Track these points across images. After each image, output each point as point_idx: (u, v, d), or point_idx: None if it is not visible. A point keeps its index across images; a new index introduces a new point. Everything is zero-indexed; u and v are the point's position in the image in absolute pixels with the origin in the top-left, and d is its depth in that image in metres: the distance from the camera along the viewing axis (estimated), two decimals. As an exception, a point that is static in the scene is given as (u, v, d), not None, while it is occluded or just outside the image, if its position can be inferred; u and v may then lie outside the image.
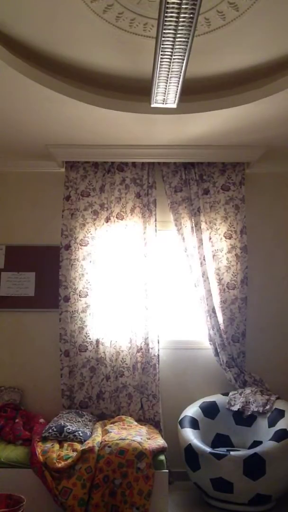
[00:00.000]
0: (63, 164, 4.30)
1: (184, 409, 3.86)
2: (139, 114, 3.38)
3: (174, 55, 2.54)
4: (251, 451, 3.23)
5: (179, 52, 2.51)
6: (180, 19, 2.21)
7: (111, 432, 3.39)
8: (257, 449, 3.24)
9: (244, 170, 4.31)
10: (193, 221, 4.19)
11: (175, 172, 4.28)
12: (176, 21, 2.23)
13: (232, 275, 4.14)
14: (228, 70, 3.08)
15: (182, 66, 2.65)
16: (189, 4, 2.09)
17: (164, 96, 2.98)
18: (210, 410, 3.82)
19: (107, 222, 4.20)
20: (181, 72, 2.71)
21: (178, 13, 2.16)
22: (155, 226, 4.20)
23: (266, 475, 3.18)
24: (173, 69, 2.68)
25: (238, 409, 3.76)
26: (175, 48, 2.47)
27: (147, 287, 4.12)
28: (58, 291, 4.12)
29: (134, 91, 3.29)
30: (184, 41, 2.40)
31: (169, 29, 2.30)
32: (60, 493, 2.99)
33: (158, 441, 3.33)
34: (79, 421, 3.58)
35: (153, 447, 3.19)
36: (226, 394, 3.96)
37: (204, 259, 4.13)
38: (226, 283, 4.13)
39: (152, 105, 3.09)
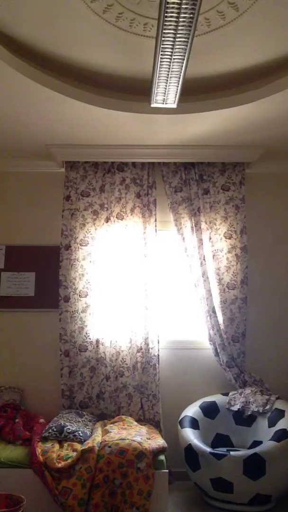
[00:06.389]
0: (63, 164, 4.29)
1: (184, 409, 3.86)
2: (139, 114, 3.38)
3: (174, 55, 2.54)
4: (251, 451, 3.23)
5: (179, 52, 2.51)
6: (180, 19, 2.21)
7: (111, 432, 3.39)
8: (257, 449, 3.24)
9: (244, 170, 4.30)
10: (193, 221, 4.19)
11: (175, 172, 4.28)
12: (176, 21, 2.23)
13: (232, 275, 4.14)
14: (228, 70, 3.08)
15: (182, 66, 2.65)
16: (189, 4, 2.09)
17: (164, 96, 2.98)
18: (210, 410, 3.82)
19: (107, 222, 4.20)
20: (181, 72, 2.71)
21: (178, 13, 2.16)
22: (155, 226, 4.20)
23: (266, 475, 3.18)
24: (173, 69, 2.68)
25: (238, 409, 3.76)
26: (175, 48, 2.47)
27: (147, 287, 4.11)
28: (58, 291, 4.12)
29: (134, 91, 3.29)
30: (184, 41, 2.40)
31: (169, 29, 2.30)
32: (60, 493, 2.99)
33: (158, 441, 3.33)
34: (79, 421, 3.58)
35: (153, 447, 3.19)
36: (226, 394, 3.96)
37: (204, 259, 4.13)
38: (226, 283, 4.13)
39: (152, 105, 3.09)
